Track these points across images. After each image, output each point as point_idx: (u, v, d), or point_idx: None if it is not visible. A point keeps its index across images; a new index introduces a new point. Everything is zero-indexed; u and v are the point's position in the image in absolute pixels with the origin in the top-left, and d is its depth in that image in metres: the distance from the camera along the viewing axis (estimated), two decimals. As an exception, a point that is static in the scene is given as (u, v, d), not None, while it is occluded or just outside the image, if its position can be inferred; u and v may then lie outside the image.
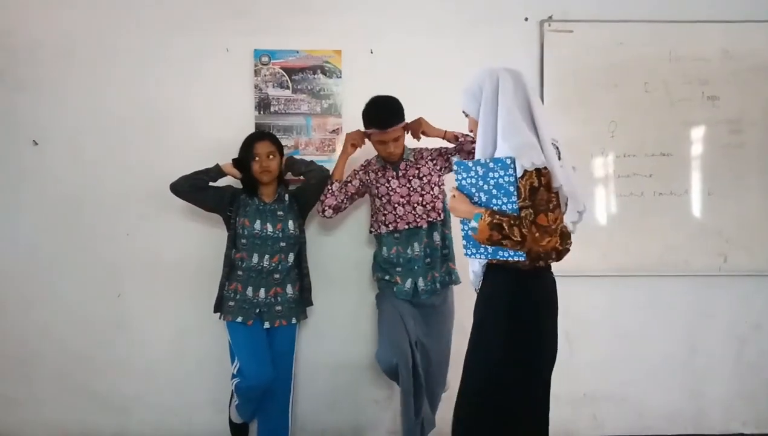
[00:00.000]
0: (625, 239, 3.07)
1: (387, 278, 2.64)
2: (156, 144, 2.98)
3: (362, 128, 2.62)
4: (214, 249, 2.77)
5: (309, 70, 3.00)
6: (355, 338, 3.04)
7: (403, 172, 2.63)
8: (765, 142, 3.09)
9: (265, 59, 2.99)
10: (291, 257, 2.67)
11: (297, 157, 2.83)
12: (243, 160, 2.61)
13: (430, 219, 2.60)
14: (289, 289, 2.68)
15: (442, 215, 2.63)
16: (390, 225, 2.61)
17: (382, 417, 3.09)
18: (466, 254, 1.92)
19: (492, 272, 1.92)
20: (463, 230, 1.90)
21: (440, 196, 2.65)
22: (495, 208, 1.78)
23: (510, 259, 1.79)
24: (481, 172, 1.79)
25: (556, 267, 1.92)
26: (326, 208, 2.63)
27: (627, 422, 3.16)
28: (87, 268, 2.99)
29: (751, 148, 3.09)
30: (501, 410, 1.84)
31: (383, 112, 2.52)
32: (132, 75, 2.97)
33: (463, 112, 1.98)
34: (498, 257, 1.82)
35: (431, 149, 2.71)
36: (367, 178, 2.67)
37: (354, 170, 2.69)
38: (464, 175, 1.84)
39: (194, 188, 2.60)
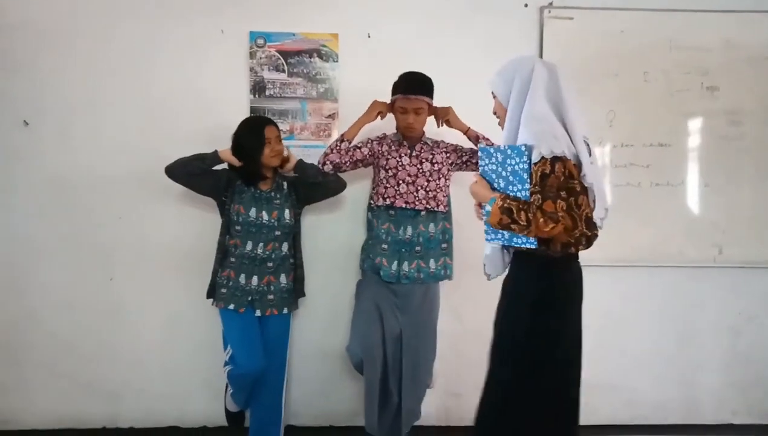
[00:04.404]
0: (620, 230, 3.01)
1: (375, 259, 2.61)
2: (149, 127, 2.93)
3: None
4: (208, 234, 2.74)
5: (305, 54, 2.95)
6: (348, 326, 3.02)
7: (418, 153, 2.63)
8: (763, 134, 3.08)
9: (260, 42, 2.94)
10: (285, 246, 2.64)
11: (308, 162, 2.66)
12: (249, 147, 2.49)
13: (429, 206, 2.58)
14: (283, 278, 2.65)
15: (443, 207, 2.62)
16: (388, 199, 2.58)
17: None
18: (486, 239, 1.96)
19: (518, 259, 1.94)
20: (483, 214, 1.93)
21: (445, 188, 2.64)
22: (511, 194, 1.80)
23: (524, 245, 1.81)
24: (500, 159, 1.83)
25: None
26: (328, 162, 2.60)
27: (618, 412, 3.16)
28: (78, 252, 2.95)
29: (748, 140, 3.08)
30: (527, 395, 1.87)
31: (411, 80, 2.56)
32: (125, 56, 2.92)
33: (492, 93, 1.99)
34: (513, 243, 1.85)
35: (447, 143, 2.71)
36: (380, 149, 2.64)
37: (368, 139, 2.66)
38: (486, 161, 1.89)
39: (189, 173, 2.54)
